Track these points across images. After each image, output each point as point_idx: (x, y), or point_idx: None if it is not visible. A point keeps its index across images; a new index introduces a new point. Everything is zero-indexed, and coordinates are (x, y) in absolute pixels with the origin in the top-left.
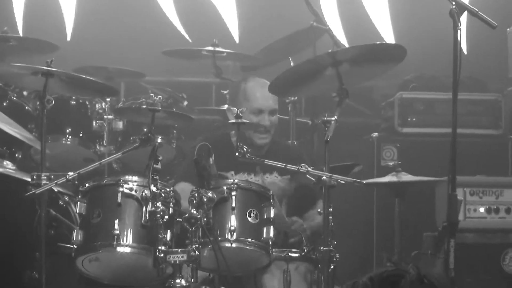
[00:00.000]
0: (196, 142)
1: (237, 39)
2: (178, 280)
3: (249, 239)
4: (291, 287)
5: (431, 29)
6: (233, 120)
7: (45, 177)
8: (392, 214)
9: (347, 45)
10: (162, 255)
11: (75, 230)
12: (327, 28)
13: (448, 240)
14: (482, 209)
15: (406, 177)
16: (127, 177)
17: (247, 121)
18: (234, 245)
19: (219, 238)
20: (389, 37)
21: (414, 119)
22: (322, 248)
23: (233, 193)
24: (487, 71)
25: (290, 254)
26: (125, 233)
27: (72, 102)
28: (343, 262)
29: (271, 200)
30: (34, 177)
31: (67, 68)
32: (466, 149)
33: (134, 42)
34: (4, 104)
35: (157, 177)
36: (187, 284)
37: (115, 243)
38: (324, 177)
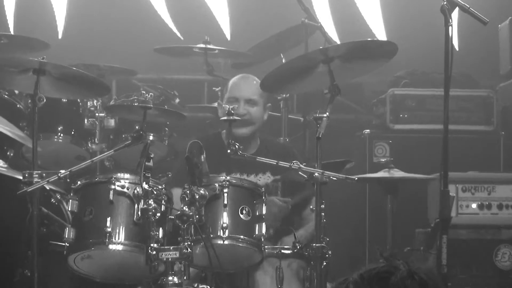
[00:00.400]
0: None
1: (228, 36)
2: (170, 278)
3: (242, 236)
4: (283, 284)
5: (423, 25)
6: (224, 117)
7: (37, 175)
8: (384, 210)
9: (338, 42)
10: (154, 252)
11: (67, 228)
12: (319, 25)
13: (441, 237)
14: (474, 205)
15: (398, 173)
16: (119, 174)
17: (238, 118)
18: (226, 242)
19: (211, 235)
20: (380, 34)
21: (406, 115)
22: (314, 244)
23: (225, 190)
24: (479, 67)
25: (282, 251)
26: (117, 230)
27: (64, 100)
28: (335, 259)
29: (263, 197)
30: (26, 175)
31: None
32: (458, 145)
33: (125, 40)
34: None
35: (149, 175)
36: (180, 281)
37: (107, 240)
38: (316, 174)
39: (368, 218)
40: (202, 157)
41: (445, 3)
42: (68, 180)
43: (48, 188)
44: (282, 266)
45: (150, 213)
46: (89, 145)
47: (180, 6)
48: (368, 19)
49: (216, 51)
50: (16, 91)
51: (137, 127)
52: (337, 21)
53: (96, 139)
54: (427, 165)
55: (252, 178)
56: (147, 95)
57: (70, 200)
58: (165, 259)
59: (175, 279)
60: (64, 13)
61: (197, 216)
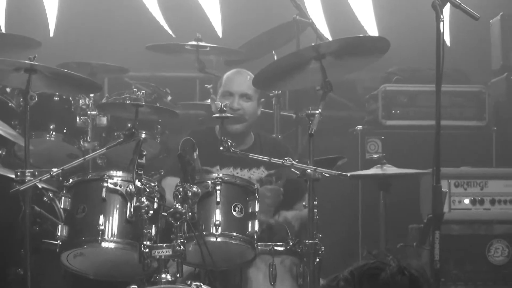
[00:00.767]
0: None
1: (220, 34)
2: (163, 275)
3: (234, 233)
4: (276, 281)
5: (414, 21)
6: (217, 114)
7: (29, 174)
8: (377, 206)
9: (330, 38)
10: (147, 250)
11: (59, 226)
12: (310, 21)
13: (433, 232)
14: (467, 201)
15: (391, 169)
16: (111, 172)
17: (231, 115)
18: (219, 239)
19: (204, 233)
20: (372, 30)
21: (398, 111)
22: (307, 241)
23: (218, 187)
24: (471, 63)
25: (275, 247)
26: (110, 228)
27: (56, 98)
28: (328, 255)
29: (256, 194)
30: (18, 173)
31: (50, 64)
32: (450, 141)
33: (117, 38)
34: None
35: (142, 172)
36: (173, 279)
37: (100, 238)
38: (308, 170)
39: (361, 214)
40: (195, 154)
41: None
42: (60, 178)
43: (40, 186)
44: (275, 263)
45: (143, 210)
46: (81, 143)
47: (171, 4)
48: (360, 16)
49: (208, 49)
50: (8, 89)
51: (129, 125)
52: (329, 17)
53: (88, 137)
54: (420, 161)
55: (245, 172)
56: (139, 92)
57: (63, 198)
58: (158, 256)
59: (168, 276)
60: (55, 11)
61: (189, 214)
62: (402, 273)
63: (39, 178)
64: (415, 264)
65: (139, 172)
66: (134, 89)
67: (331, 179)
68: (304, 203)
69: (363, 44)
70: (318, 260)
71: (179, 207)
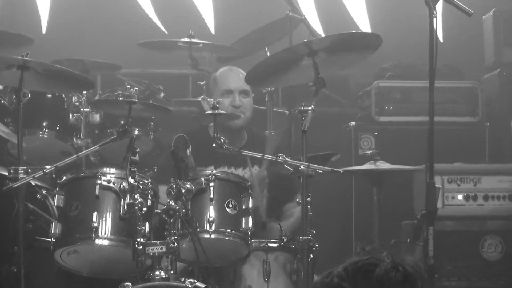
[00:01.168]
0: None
1: (213, 30)
2: (157, 272)
3: (228, 230)
4: (270, 277)
5: (407, 17)
6: (210, 111)
7: (22, 171)
8: (370, 202)
9: (323, 35)
10: (141, 247)
11: (53, 223)
12: (303, 17)
13: (427, 228)
14: (460, 197)
15: (384, 165)
16: (105, 169)
17: (223, 111)
18: (213, 236)
19: (198, 230)
20: (365, 26)
21: (391, 107)
22: (301, 237)
23: (211, 184)
24: (463, 59)
25: (269, 244)
26: (104, 225)
27: (48, 96)
28: (322, 251)
29: (249, 191)
30: (11, 171)
31: (43, 61)
32: (443, 137)
33: (109, 34)
34: None
35: (135, 169)
36: (167, 276)
37: (93, 235)
38: (302, 167)
39: (354, 211)
40: (188, 151)
41: None
42: (53, 175)
43: (33, 184)
44: (269, 260)
45: (136, 207)
46: (74, 140)
47: (164, 0)
48: (352, 12)
49: (201, 45)
50: (0, 87)
51: (122, 122)
52: (322, 13)
53: (81, 134)
54: (413, 157)
55: (240, 171)
56: (132, 89)
57: (56, 195)
58: (151, 253)
59: (162, 273)
60: (47, 8)
61: (183, 210)
62: (396, 269)
63: (32, 175)
64: (409, 260)
65: (132, 169)
66: (127, 86)
67: (324, 176)
68: (297, 200)
69: (355, 40)
70: (312, 256)
71: (173, 204)
